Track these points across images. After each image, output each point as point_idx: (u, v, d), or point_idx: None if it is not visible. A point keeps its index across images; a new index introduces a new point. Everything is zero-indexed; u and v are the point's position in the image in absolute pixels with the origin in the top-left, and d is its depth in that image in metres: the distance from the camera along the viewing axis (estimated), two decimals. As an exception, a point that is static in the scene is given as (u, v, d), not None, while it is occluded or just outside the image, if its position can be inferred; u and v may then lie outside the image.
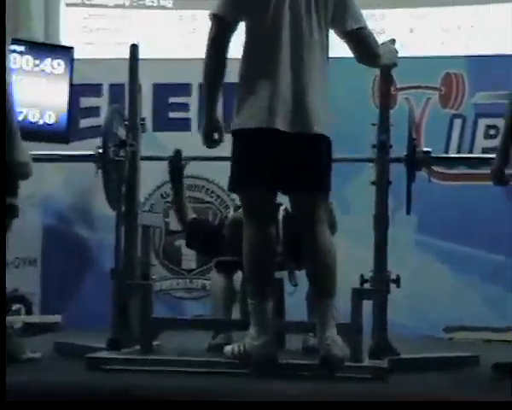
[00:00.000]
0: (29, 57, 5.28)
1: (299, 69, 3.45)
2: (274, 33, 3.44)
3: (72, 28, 6.16)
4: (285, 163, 3.45)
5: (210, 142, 3.59)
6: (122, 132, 4.11)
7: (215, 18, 3.49)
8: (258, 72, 3.45)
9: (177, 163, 4.45)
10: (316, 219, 3.52)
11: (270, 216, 3.58)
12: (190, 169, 5.25)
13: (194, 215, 4.70)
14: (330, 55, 4.81)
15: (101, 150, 4.01)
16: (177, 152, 4.44)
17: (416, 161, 4.00)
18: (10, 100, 3.66)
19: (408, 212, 3.99)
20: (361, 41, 3.59)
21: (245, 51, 3.51)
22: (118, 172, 4.03)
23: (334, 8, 3.52)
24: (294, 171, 3.46)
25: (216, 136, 3.57)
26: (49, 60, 5.36)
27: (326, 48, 3.55)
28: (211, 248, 4.58)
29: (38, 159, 4.26)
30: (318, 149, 3.48)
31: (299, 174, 3.47)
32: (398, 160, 3.99)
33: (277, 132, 3.42)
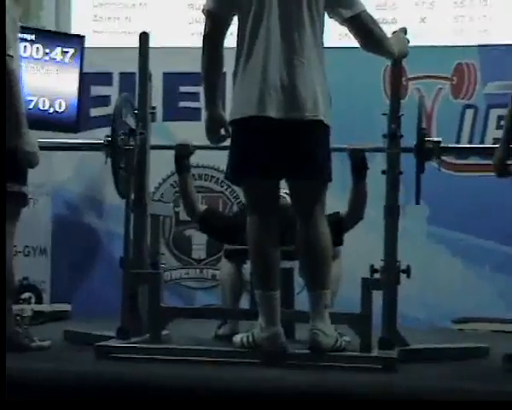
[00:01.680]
0: (39, 46, 5.28)
1: (289, 56, 3.41)
2: (263, 22, 3.42)
3: (82, 17, 6.15)
4: (279, 150, 3.41)
5: (214, 137, 3.57)
6: (131, 121, 4.10)
7: (208, 14, 3.48)
8: (249, 61, 3.43)
9: (183, 152, 4.45)
10: (310, 207, 3.49)
11: (271, 205, 3.52)
12: (201, 159, 5.26)
13: (205, 206, 4.69)
14: (341, 45, 4.87)
15: (110, 139, 4.00)
16: (184, 141, 4.45)
17: (425, 150, 3.98)
18: (19, 88, 3.66)
19: (417, 202, 3.97)
20: (358, 28, 3.53)
21: (237, 43, 3.49)
22: (127, 160, 4.02)
23: None
24: (288, 158, 3.43)
25: (221, 131, 3.54)
26: (59, 48, 5.35)
27: (320, 34, 3.49)
28: (227, 237, 4.57)
29: (47, 147, 4.27)
30: (312, 135, 3.44)
31: (293, 161, 3.44)
32: (407, 149, 3.96)
33: (269, 120, 3.39)
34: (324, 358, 3.45)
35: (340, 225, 4.29)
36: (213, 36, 3.48)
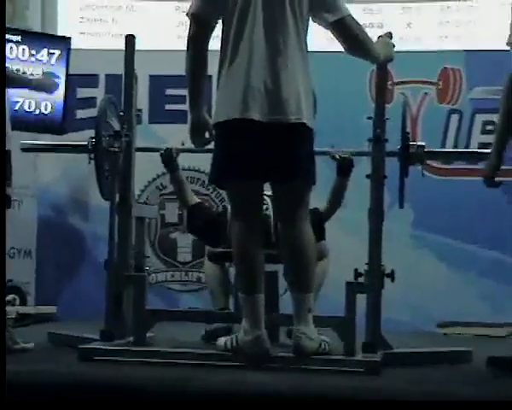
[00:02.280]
0: (25, 47, 5.28)
1: (273, 59, 3.41)
2: (247, 25, 3.42)
3: (69, 18, 6.14)
4: (262, 153, 3.41)
5: (198, 140, 3.56)
6: (116, 123, 4.09)
7: (193, 17, 3.48)
8: (232, 64, 3.43)
9: (168, 158, 4.47)
10: (293, 210, 3.49)
11: (254, 208, 3.53)
12: (186, 162, 5.25)
13: (198, 200, 4.70)
14: (328, 49, 4.87)
15: (93, 141, 3.99)
16: (168, 148, 4.47)
17: (409, 155, 3.98)
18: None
19: (401, 205, 3.97)
20: (343, 32, 3.52)
21: (221, 46, 3.49)
22: (111, 162, 4.01)
23: (310, 0, 3.49)
24: (271, 160, 3.42)
25: (205, 134, 3.54)
26: (45, 50, 5.36)
27: (303, 37, 3.49)
28: (211, 236, 4.57)
29: (32, 149, 4.26)
30: (296, 138, 3.44)
31: (276, 164, 3.43)
32: (392, 154, 3.97)
33: (252, 123, 3.39)
34: (308, 361, 3.45)
35: (321, 220, 4.31)
36: (198, 39, 3.47)
